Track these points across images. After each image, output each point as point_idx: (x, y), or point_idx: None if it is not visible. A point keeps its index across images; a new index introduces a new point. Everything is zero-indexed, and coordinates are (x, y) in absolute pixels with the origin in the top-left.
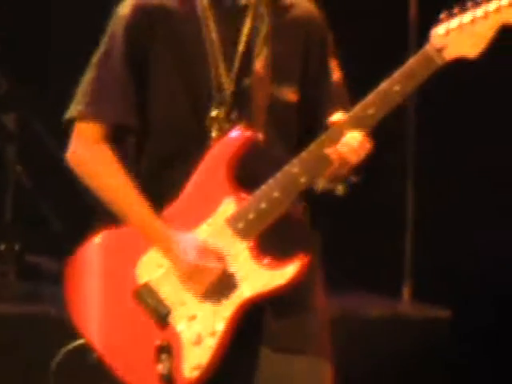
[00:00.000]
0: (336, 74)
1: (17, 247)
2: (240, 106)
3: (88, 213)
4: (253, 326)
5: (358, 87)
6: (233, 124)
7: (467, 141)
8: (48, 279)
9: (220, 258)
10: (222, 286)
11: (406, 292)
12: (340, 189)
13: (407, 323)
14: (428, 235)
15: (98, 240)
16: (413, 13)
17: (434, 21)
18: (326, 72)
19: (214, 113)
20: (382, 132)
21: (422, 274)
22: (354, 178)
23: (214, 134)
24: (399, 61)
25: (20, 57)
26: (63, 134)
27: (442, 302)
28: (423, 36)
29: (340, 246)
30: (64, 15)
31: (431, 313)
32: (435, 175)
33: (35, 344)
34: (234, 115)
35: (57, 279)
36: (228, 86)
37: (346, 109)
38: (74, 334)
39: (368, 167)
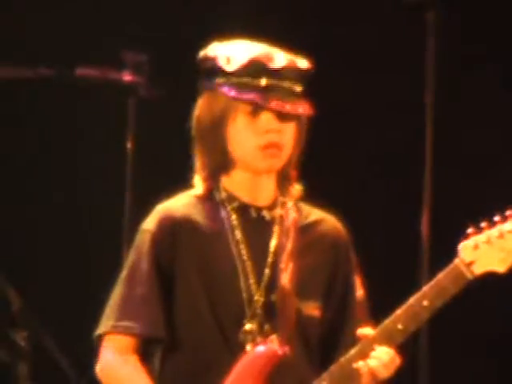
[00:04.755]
0: (359, 292)
1: None
2: (270, 318)
3: None
4: None
5: None
6: (266, 336)
7: None
8: None
9: None
10: None
11: None
12: None
13: None
14: None
15: None
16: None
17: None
18: (350, 289)
19: (247, 326)
20: None
21: None
22: None
23: (248, 347)
24: None
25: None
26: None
27: None
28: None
29: None
30: None
31: None
32: None
33: None
34: (266, 327)
35: None
36: (258, 298)
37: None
38: None
39: None
